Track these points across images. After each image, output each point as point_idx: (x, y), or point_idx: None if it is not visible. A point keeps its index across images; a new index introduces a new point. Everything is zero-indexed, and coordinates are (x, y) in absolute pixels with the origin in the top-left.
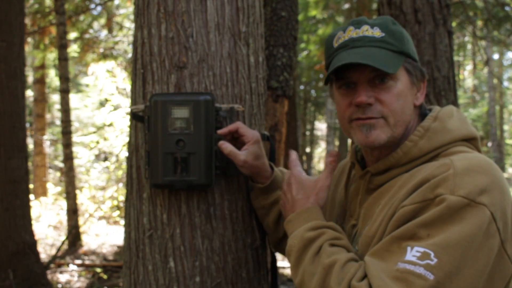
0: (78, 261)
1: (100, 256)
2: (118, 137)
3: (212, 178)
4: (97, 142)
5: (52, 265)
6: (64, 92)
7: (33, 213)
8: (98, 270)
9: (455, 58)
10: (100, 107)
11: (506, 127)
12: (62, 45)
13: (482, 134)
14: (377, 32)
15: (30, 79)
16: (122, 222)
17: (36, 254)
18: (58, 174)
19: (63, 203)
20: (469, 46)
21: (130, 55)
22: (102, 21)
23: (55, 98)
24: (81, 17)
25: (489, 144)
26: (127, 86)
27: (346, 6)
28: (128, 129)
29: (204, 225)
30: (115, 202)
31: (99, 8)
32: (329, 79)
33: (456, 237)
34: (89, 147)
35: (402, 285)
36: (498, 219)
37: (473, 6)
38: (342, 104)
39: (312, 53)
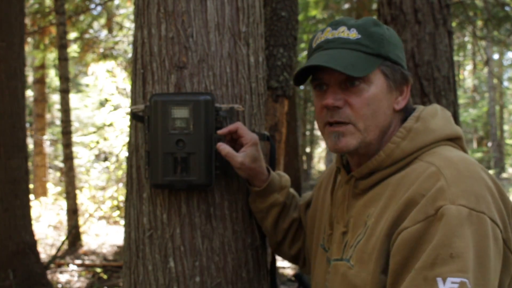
0: (78, 261)
1: (100, 256)
2: (118, 137)
3: (212, 178)
4: (97, 142)
5: (52, 265)
6: (64, 92)
7: (33, 213)
8: (98, 270)
9: (455, 58)
10: (100, 107)
11: (506, 127)
12: (62, 45)
13: (482, 134)
14: (353, 34)
15: (30, 79)
16: (122, 222)
17: (36, 254)
18: (58, 174)
19: (63, 203)
20: (469, 46)
21: (130, 55)
22: (102, 21)
23: (55, 98)
24: (81, 17)
25: (489, 144)
26: (127, 86)
27: (346, 6)
28: (128, 129)
29: (204, 225)
30: (115, 202)
31: (99, 8)
32: (302, 80)
33: (478, 254)
34: (89, 147)
35: None
36: (498, 220)
37: (473, 6)
38: (317, 106)
39: None
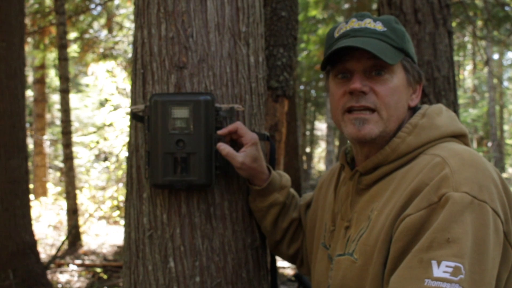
0: (78, 261)
1: (100, 256)
2: (118, 137)
3: (212, 178)
4: (97, 142)
5: (52, 265)
6: (64, 92)
7: (33, 213)
8: (98, 270)
9: (455, 58)
10: (100, 107)
11: (506, 127)
12: (62, 45)
13: (482, 134)
14: (379, 26)
15: (30, 79)
16: (122, 222)
17: (36, 254)
18: (58, 174)
19: (63, 203)
20: (469, 46)
21: (130, 55)
22: (102, 21)
23: (55, 98)
24: (81, 17)
25: (489, 144)
26: (127, 86)
27: (346, 6)
28: (128, 129)
29: (204, 225)
30: (115, 202)
31: (99, 8)
32: (326, 68)
33: (477, 241)
34: (89, 147)
35: None
36: (500, 212)
37: (473, 6)
38: (337, 93)
39: (312, 53)
